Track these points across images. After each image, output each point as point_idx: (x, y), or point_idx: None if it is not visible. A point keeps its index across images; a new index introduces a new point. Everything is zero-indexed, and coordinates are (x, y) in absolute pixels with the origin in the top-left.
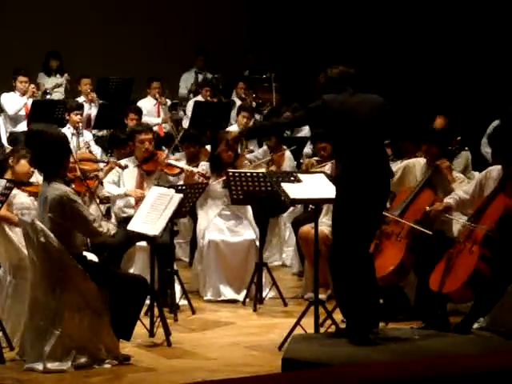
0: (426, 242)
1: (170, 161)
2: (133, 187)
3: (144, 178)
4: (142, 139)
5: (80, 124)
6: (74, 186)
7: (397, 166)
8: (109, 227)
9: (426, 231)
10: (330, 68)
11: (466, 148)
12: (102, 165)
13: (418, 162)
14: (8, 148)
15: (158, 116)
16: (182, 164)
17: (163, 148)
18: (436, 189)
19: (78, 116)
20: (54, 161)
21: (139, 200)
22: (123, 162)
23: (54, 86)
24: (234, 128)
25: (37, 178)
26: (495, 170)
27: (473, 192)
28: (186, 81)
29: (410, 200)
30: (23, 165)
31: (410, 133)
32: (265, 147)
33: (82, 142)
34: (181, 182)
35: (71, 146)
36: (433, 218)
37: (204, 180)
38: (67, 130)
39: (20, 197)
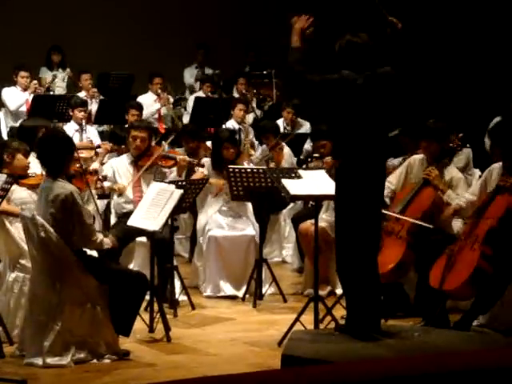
0: (426, 239)
1: (165, 153)
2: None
3: (140, 173)
4: (134, 135)
5: (83, 120)
6: (73, 182)
7: (400, 164)
8: (103, 240)
9: (427, 225)
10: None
11: (468, 145)
12: (98, 150)
13: (418, 159)
14: None
15: (159, 114)
16: (177, 155)
17: (163, 143)
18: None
19: (82, 113)
20: (60, 157)
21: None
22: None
23: (52, 79)
24: (231, 123)
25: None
26: (496, 168)
27: (479, 192)
28: (190, 74)
29: (410, 198)
30: (20, 159)
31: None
32: (264, 146)
33: (86, 138)
34: (175, 173)
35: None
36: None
37: (198, 167)
38: (71, 126)
39: (18, 191)
